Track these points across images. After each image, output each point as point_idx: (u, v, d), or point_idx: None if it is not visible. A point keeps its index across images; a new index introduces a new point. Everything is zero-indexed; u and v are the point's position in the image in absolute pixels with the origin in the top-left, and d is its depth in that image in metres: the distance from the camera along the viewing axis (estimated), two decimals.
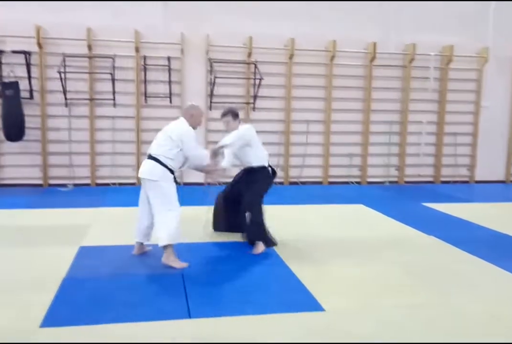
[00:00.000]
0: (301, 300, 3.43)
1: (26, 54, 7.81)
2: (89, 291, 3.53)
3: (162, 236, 4.08)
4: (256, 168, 4.82)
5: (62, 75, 7.78)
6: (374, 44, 8.75)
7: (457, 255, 4.60)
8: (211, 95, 8.38)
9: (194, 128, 4.29)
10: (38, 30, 7.79)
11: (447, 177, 9.58)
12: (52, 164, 8.36)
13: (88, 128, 8.30)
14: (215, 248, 4.75)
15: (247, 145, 4.70)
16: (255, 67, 8.38)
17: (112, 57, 8.02)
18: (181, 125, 4.28)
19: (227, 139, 4.58)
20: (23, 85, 7.88)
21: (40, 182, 8.31)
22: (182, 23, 8.30)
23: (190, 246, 4.70)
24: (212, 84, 8.26)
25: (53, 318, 3.05)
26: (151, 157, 4.20)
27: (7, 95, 7.70)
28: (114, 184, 8.47)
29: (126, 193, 7.71)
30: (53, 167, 8.37)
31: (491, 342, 2.85)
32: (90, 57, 8.09)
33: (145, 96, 8.34)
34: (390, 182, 9.38)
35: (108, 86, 8.06)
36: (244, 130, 4.71)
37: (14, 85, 7.75)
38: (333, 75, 8.83)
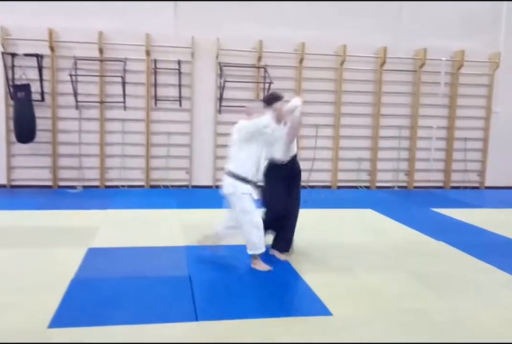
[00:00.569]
0: (308, 304, 3.42)
1: (38, 57, 7.88)
2: (97, 293, 3.54)
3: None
4: (297, 164, 4.61)
5: (73, 78, 7.83)
6: (385, 49, 8.73)
7: (466, 261, 4.56)
8: (220, 98, 8.40)
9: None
10: (50, 33, 7.86)
11: (457, 183, 9.51)
12: (62, 166, 8.41)
13: (98, 131, 8.36)
14: (223, 251, 4.74)
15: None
16: (265, 71, 8.39)
17: (123, 61, 8.07)
18: None
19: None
20: (35, 87, 7.95)
21: (50, 183, 8.36)
22: (192, 27, 8.33)
23: (198, 249, 4.70)
24: (222, 88, 8.28)
25: (61, 319, 3.06)
26: None
27: (19, 98, 7.77)
28: (123, 186, 8.50)
29: (135, 195, 7.75)
30: (63, 169, 8.42)
31: None
32: (101, 61, 8.15)
33: (155, 99, 8.37)
34: (399, 187, 9.33)
35: (118, 89, 8.10)
36: None
37: (26, 88, 7.83)
38: (343, 79, 8.82)
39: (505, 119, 9.47)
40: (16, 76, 7.93)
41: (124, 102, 8.12)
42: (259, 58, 8.47)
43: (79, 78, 7.99)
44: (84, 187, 8.34)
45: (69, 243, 4.89)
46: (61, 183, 8.41)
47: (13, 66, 7.90)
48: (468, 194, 8.91)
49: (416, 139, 9.21)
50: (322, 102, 8.88)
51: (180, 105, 8.42)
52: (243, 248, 4.20)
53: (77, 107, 8.13)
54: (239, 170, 4.09)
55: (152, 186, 8.58)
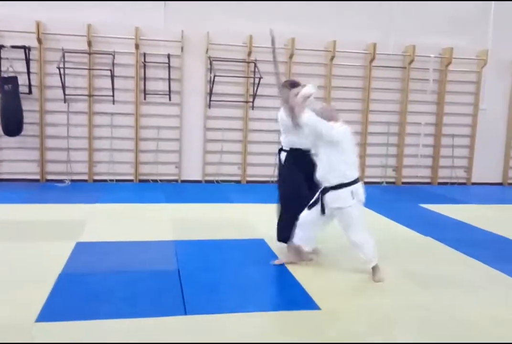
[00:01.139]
0: (297, 299, 3.43)
1: (26, 49, 7.79)
2: (86, 287, 3.53)
3: None
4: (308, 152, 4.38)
5: (61, 70, 7.75)
6: (374, 45, 8.75)
7: (454, 256, 4.61)
8: (210, 93, 8.37)
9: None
10: (38, 25, 7.76)
11: (444, 179, 9.60)
12: (49, 160, 8.35)
13: (86, 124, 8.29)
14: (212, 245, 4.75)
15: None
16: (255, 66, 8.38)
17: (112, 54, 8.01)
18: None
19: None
20: (22, 80, 7.87)
21: (37, 177, 8.29)
22: (182, 21, 8.29)
23: (187, 243, 4.70)
24: (212, 82, 8.25)
25: (49, 313, 3.05)
26: None
27: (5, 90, 7.68)
28: (111, 180, 8.46)
29: (124, 189, 7.71)
30: (51, 162, 8.36)
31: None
32: (89, 53, 8.08)
33: (144, 93, 8.33)
34: (387, 182, 9.40)
35: (107, 83, 8.04)
36: None
37: (13, 80, 7.73)
38: (332, 75, 8.84)
39: (492, 116, 9.56)
40: (3, 69, 7.83)
41: (113, 95, 8.06)
42: (249, 53, 8.44)
43: (67, 71, 7.91)
44: (72, 181, 8.28)
45: (57, 237, 4.86)
46: (49, 177, 8.34)
47: (0, 58, 7.80)
48: (455, 190, 9.00)
49: (405, 135, 9.27)
50: None
51: (170, 99, 8.38)
52: (232, 242, 4.20)
53: (65, 101, 8.05)
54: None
55: (141, 181, 8.54)
